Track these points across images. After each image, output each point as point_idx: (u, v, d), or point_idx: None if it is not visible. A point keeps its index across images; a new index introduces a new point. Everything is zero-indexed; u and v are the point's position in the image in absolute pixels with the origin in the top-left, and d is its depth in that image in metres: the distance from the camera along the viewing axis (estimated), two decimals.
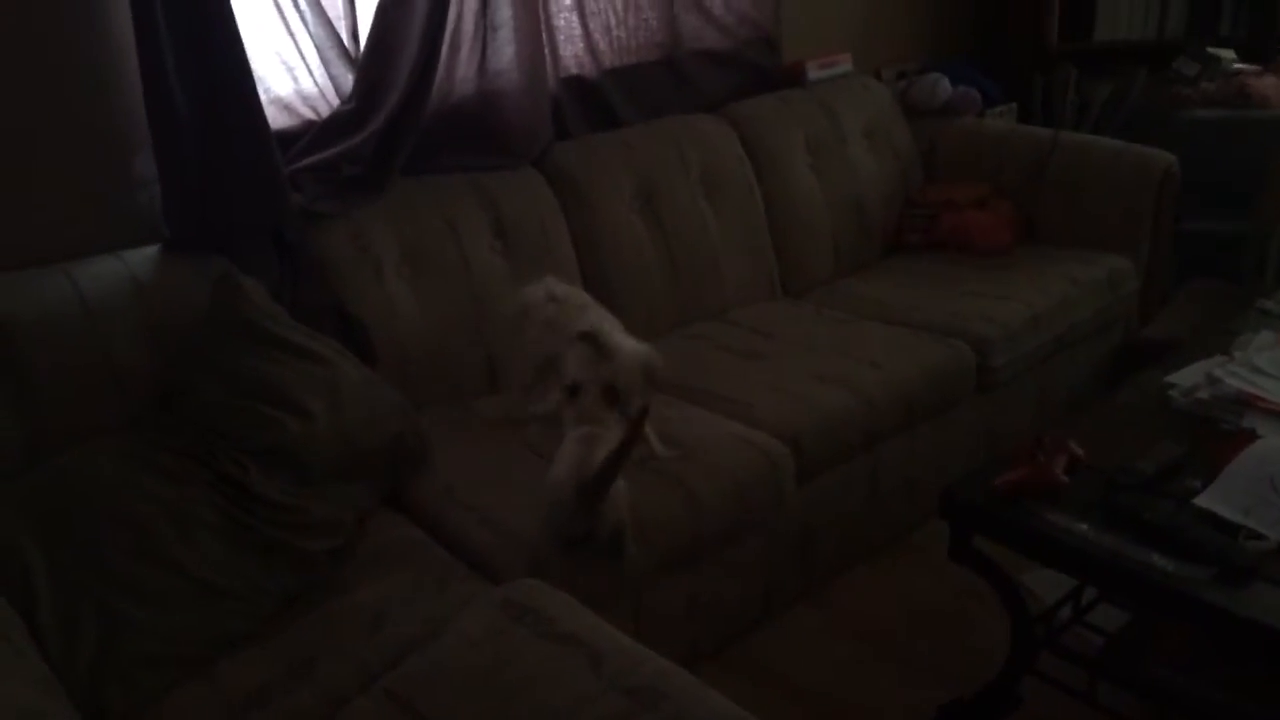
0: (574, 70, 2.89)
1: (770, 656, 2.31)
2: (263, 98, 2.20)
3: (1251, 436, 1.89)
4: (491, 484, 2.08)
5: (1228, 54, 3.73)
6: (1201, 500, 1.73)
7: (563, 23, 2.82)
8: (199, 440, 1.88)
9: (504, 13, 2.56)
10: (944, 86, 3.52)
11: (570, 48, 2.86)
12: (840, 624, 2.41)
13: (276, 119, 2.35)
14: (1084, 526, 1.71)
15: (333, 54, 2.42)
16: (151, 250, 2.13)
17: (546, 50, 2.73)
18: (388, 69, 2.41)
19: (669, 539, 2.03)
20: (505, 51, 2.59)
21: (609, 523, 1.90)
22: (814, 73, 3.34)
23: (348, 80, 2.44)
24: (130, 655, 1.61)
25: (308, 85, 2.45)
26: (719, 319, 2.88)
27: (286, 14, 2.36)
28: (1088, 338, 3.02)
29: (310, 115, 2.46)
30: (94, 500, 1.75)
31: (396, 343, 2.36)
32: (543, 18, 2.70)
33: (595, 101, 2.92)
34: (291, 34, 2.38)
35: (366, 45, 2.42)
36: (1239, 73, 3.62)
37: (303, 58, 2.41)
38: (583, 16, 2.85)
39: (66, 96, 2.09)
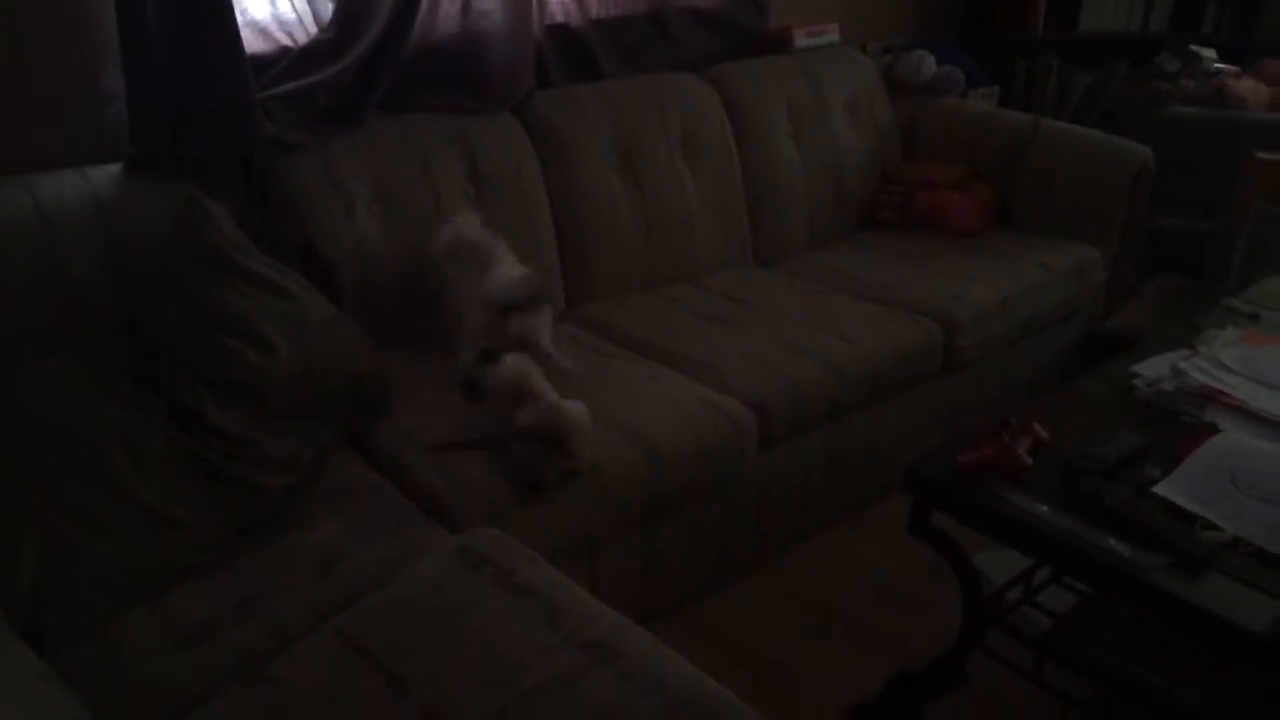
0: (559, 18, 2.84)
1: (721, 621, 2.31)
2: (238, 20, 2.12)
3: (1213, 430, 1.91)
4: (452, 429, 2.04)
5: (1209, 53, 3.76)
6: (1160, 489, 1.74)
7: None
8: (156, 367, 1.83)
9: None
10: (929, 64, 3.50)
11: None
12: (793, 593, 2.42)
13: (251, 43, 2.28)
14: (1044, 508, 1.72)
15: None
16: (115, 168, 2.06)
17: None
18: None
19: (629, 495, 2.02)
20: None
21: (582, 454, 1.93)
22: (801, 40, 3.31)
23: (328, 8, 2.38)
24: (74, 579, 1.57)
25: (285, 10, 2.38)
26: (690, 282, 2.86)
27: None
28: (1052, 325, 3.04)
29: (286, 42, 2.39)
30: (45, 419, 1.70)
31: (363, 282, 2.31)
32: None
33: (579, 52, 2.87)
34: None
35: None
36: (1219, 73, 3.65)
37: None
38: None
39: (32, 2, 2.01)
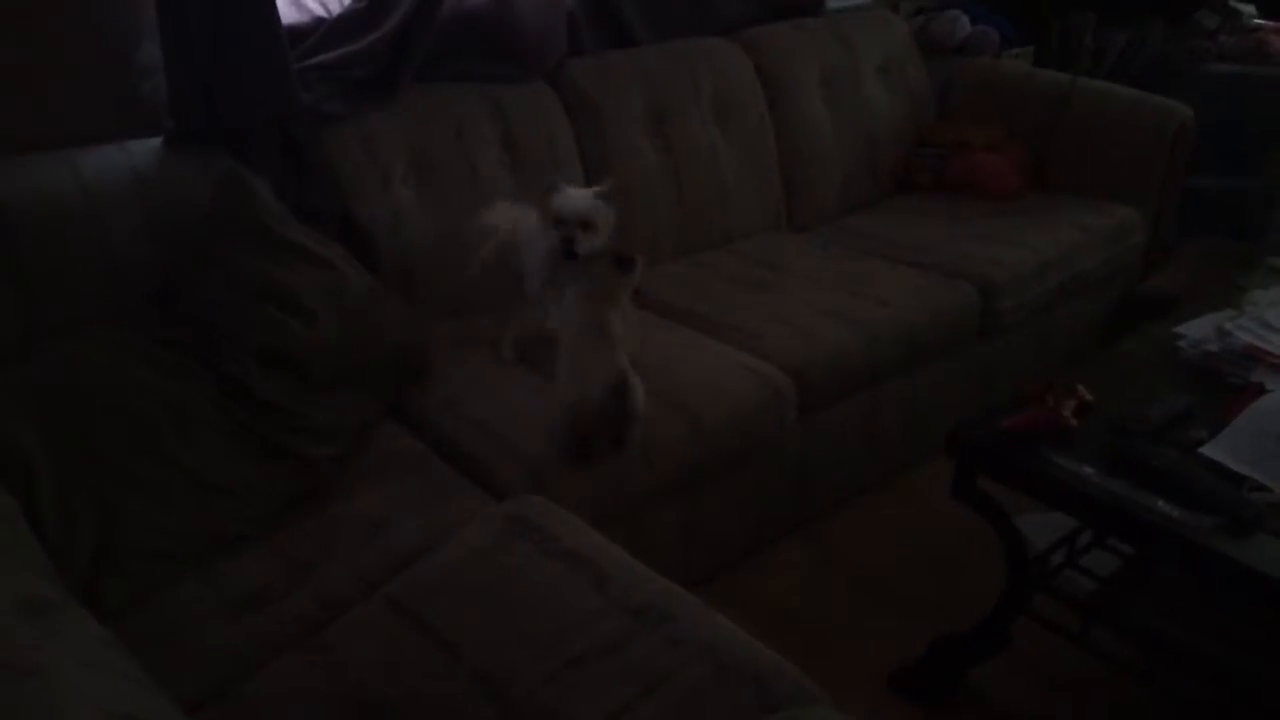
0: None
1: (762, 586, 2.32)
2: None
3: (1259, 390, 1.89)
4: (494, 398, 2.06)
5: (1249, 8, 3.69)
6: (1208, 450, 1.73)
7: None
8: (201, 338, 1.85)
9: None
10: (963, 24, 3.46)
11: None
12: (833, 558, 2.42)
13: (285, 14, 2.26)
14: (1090, 470, 1.71)
15: None
16: (155, 142, 2.07)
17: None
18: None
19: (670, 461, 2.03)
20: None
21: (635, 418, 1.91)
22: (832, 2, 3.27)
23: None
24: (128, 548, 1.60)
25: None
26: (724, 249, 2.85)
27: None
28: (1091, 287, 3.00)
29: (320, 12, 2.38)
30: (94, 391, 1.72)
31: (400, 252, 2.31)
32: None
33: (611, 18, 2.84)
34: None
35: None
36: (1259, 28, 3.58)
37: None
38: None
39: None
